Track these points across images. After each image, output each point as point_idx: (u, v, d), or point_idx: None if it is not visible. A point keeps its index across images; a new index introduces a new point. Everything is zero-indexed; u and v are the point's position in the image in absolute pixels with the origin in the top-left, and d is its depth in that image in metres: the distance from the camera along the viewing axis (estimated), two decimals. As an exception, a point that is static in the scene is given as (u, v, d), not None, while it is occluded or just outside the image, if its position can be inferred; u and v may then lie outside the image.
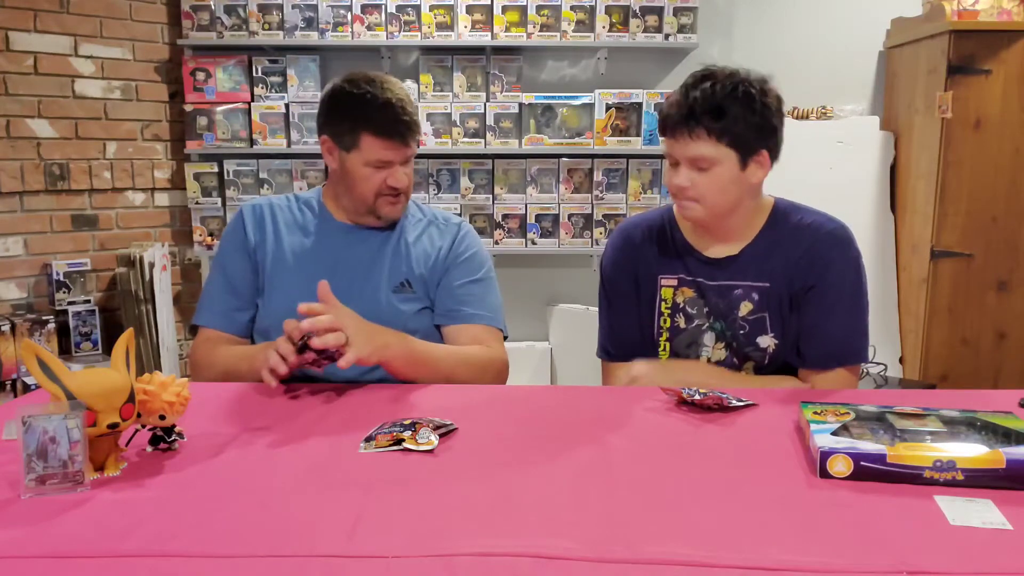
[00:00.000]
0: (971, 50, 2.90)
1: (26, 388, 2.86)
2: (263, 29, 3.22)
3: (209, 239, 3.35)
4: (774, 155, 1.44)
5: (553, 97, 3.30)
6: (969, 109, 2.92)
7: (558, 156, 3.33)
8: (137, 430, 1.09)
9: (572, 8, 3.22)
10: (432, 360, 1.48)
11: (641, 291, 1.57)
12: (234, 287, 1.60)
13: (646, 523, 0.86)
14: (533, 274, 3.58)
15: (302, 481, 0.98)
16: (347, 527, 0.85)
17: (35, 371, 0.97)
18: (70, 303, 3.08)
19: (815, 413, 1.09)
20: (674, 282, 1.54)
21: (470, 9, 3.22)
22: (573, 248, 3.39)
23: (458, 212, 3.29)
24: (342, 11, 3.21)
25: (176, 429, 1.09)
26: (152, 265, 3.14)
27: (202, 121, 3.28)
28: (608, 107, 3.27)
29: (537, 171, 3.36)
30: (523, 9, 3.22)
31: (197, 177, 3.32)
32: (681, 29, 3.24)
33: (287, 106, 3.28)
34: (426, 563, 0.77)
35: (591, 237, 3.37)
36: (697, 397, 1.25)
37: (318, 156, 3.30)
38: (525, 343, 3.47)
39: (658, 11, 3.23)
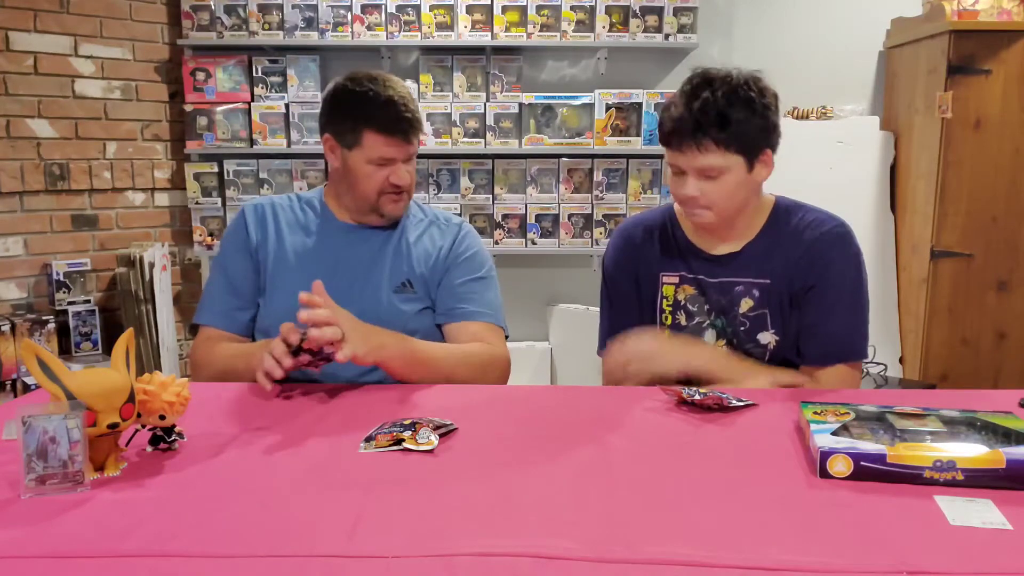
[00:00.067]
0: (971, 50, 2.90)
1: (26, 388, 2.86)
2: (263, 29, 3.22)
3: (209, 239, 3.35)
4: (775, 151, 1.45)
5: (553, 97, 3.30)
6: (969, 109, 2.92)
7: (558, 156, 3.33)
8: (137, 430, 1.09)
9: (572, 8, 3.22)
10: (431, 360, 1.47)
11: (642, 289, 1.58)
12: (235, 286, 1.60)
13: (646, 523, 0.86)
14: (533, 274, 3.58)
15: (302, 481, 0.98)
16: (347, 527, 0.85)
17: (35, 371, 0.97)
18: (70, 303, 3.08)
19: (815, 413, 1.09)
20: (675, 279, 1.54)
21: (470, 9, 3.22)
22: (573, 248, 3.39)
23: (458, 212, 3.29)
24: (342, 11, 3.21)
25: (176, 429, 1.09)
26: (152, 265, 3.14)
27: (202, 121, 3.28)
28: (608, 107, 3.27)
29: (537, 171, 3.36)
30: (523, 9, 3.22)
31: (197, 177, 3.32)
32: (681, 29, 3.24)
33: (287, 106, 3.28)
34: (426, 563, 0.77)
35: (591, 237, 3.37)
36: (697, 397, 1.25)
37: (318, 156, 3.30)
38: (525, 343, 3.47)
39: (658, 11, 3.23)
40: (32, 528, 0.85)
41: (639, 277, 1.58)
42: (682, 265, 1.54)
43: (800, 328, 1.47)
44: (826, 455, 0.96)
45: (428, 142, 3.25)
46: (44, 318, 2.95)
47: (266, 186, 3.33)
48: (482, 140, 3.28)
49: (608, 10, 3.22)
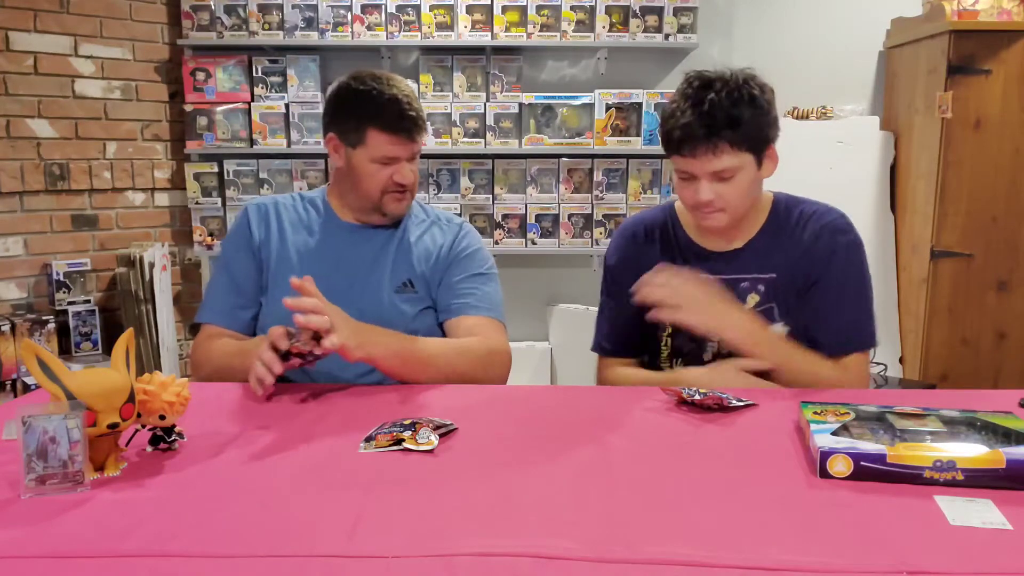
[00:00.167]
0: (971, 50, 2.90)
1: (26, 388, 2.87)
2: (263, 29, 3.22)
3: (209, 239, 3.35)
4: (774, 144, 1.46)
5: (553, 97, 3.30)
6: (969, 109, 2.92)
7: (558, 156, 3.33)
8: (137, 430, 1.09)
9: (572, 8, 3.22)
10: (426, 355, 1.45)
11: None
12: (238, 285, 1.60)
13: (646, 523, 0.86)
14: (533, 274, 3.58)
15: (302, 481, 0.98)
16: (347, 527, 0.85)
17: (35, 371, 0.97)
18: (70, 303, 3.08)
19: (815, 413, 1.09)
20: None
21: (470, 9, 3.22)
22: (573, 248, 3.39)
23: (458, 212, 3.29)
24: (342, 11, 3.21)
25: (176, 429, 1.09)
26: (152, 265, 3.14)
27: (202, 121, 3.28)
28: (608, 107, 3.27)
29: (537, 171, 3.36)
30: (523, 9, 3.22)
31: (197, 177, 3.33)
32: (681, 29, 3.24)
33: (287, 106, 3.28)
34: (426, 563, 0.77)
35: (591, 237, 3.37)
36: (697, 397, 1.25)
37: (318, 156, 3.30)
38: (525, 343, 3.47)
39: (658, 11, 3.23)
40: (32, 528, 0.85)
41: (640, 275, 1.58)
42: (683, 263, 1.54)
43: (810, 321, 1.48)
44: (826, 455, 0.96)
45: (428, 142, 3.25)
46: (44, 318, 2.95)
47: (266, 186, 3.33)
48: (482, 140, 3.28)
49: (608, 10, 3.22)
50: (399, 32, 3.22)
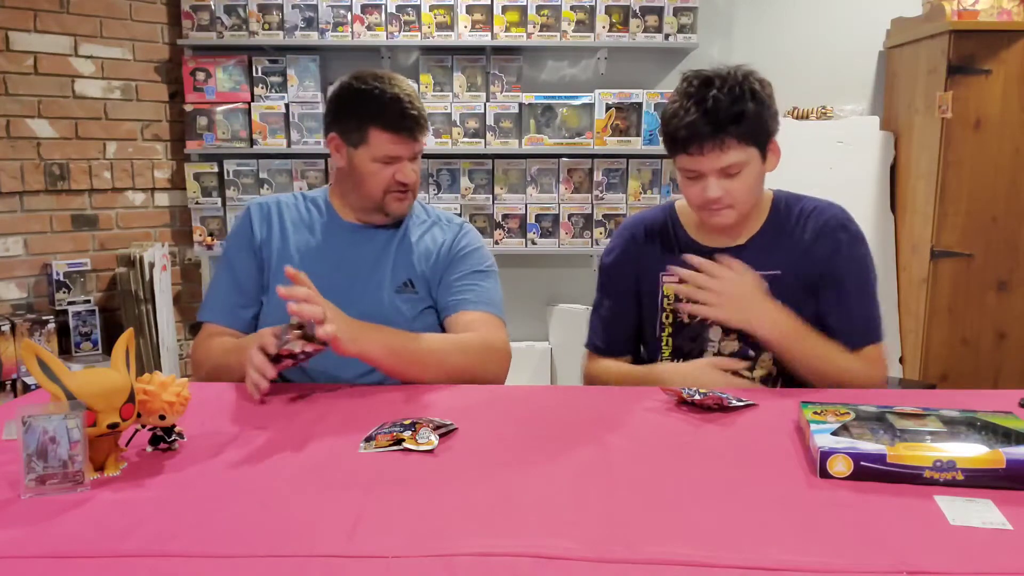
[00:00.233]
0: (971, 50, 2.90)
1: (26, 388, 2.87)
2: (263, 29, 3.22)
3: (209, 239, 3.35)
4: (776, 138, 1.47)
5: (553, 97, 3.30)
6: (969, 109, 2.92)
7: (558, 156, 3.33)
8: (137, 430, 1.09)
9: (572, 8, 3.22)
10: (422, 351, 1.44)
11: (643, 289, 1.58)
12: (239, 284, 1.60)
13: (646, 523, 0.86)
14: (533, 274, 3.58)
15: (302, 481, 0.98)
16: (347, 527, 0.85)
17: (35, 371, 0.97)
18: (70, 303, 3.08)
19: (815, 413, 1.09)
20: (674, 279, 1.54)
21: (470, 9, 3.22)
22: (573, 248, 3.39)
23: (458, 212, 3.29)
24: (342, 11, 3.21)
25: (176, 429, 1.09)
26: (152, 265, 3.14)
27: (202, 121, 3.28)
28: (608, 107, 3.27)
29: (537, 171, 3.36)
30: (523, 9, 3.22)
31: (197, 177, 3.32)
32: (681, 29, 3.24)
33: (287, 106, 3.28)
34: (426, 563, 0.77)
35: (591, 237, 3.37)
36: (697, 397, 1.25)
37: (318, 156, 3.30)
38: (525, 343, 3.47)
39: (658, 11, 3.23)
40: (32, 528, 0.85)
41: (640, 275, 1.58)
42: (682, 263, 1.54)
43: (826, 318, 1.48)
44: (826, 455, 0.96)
45: (428, 142, 3.25)
46: (44, 318, 2.95)
47: (266, 186, 3.33)
48: (482, 140, 3.28)
49: (608, 10, 3.22)
50: (399, 32, 3.22)
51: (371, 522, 0.86)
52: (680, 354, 1.55)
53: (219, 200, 3.33)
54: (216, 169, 3.33)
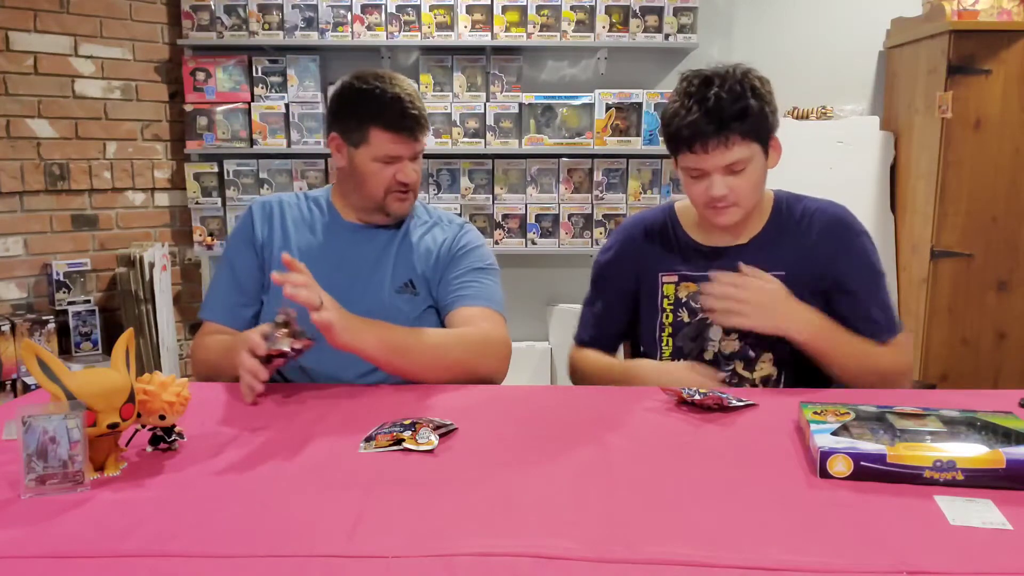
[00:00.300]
0: (971, 50, 2.90)
1: (26, 388, 2.87)
2: (263, 29, 3.22)
3: (209, 239, 3.35)
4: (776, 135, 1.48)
5: (553, 97, 3.30)
6: (969, 109, 2.92)
7: (558, 156, 3.33)
8: (137, 430, 1.09)
9: (572, 8, 3.22)
10: (419, 344, 1.42)
11: (641, 289, 1.58)
12: (240, 283, 1.60)
13: (646, 523, 0.86)
14: (533, 274, 3.58)
15: (302, 481, 0.98)
16: (347, 527, 0.85)
17: (35, 371, 0.97)
18: (70, 303, 3.08)
19: (815, 413, 1.09)
20: (674, 278, 1.54)
21: (470, 9, 3.22)
22: (573, 248, 3.39)
23: (458, 212, 3.29)
24: (342, 11, 3.21)
25: (176, 429, 1.09)
26: (152, 265, 3.14)
27: (202, 121, 3.28)
28: (608, 107, 3.27)
29: (537, 171, 3.36)
30: (523, 9, 3.22)
31: (197, 177, 3.33)
32: (681, 29, 3.24)
33: (287, 106, 3.28)
34: (426, 563, 0.77)
35: (591, 237, 3.37)
36: (697, 397, 1.25)
37: (318, 156, 3.31)
38: (525, 343, 3.47)
39: (658, 11, 3.23)
40: (32, 528, 0.85)
41: (639, 275, 1.59)
42: (682, 263, 1.54)
43: (849, 316, 1.47)
44: (826, 455, 0.96)
45: (428, 142, 3.25)
46: (44, 318, 2.95)
47: (266, 186, 3.33)
48: (482, 140, 3.28)
49: (608, 10, 3.22)
50: (399, 32, 3.22)
51: (371, 522, 0.86)
52: (680, 354, 1.55)
53: (219, 200, 3.34)
54: (216, 169, 3.33)
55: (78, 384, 0.97)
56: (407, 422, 1.14)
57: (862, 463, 0.95)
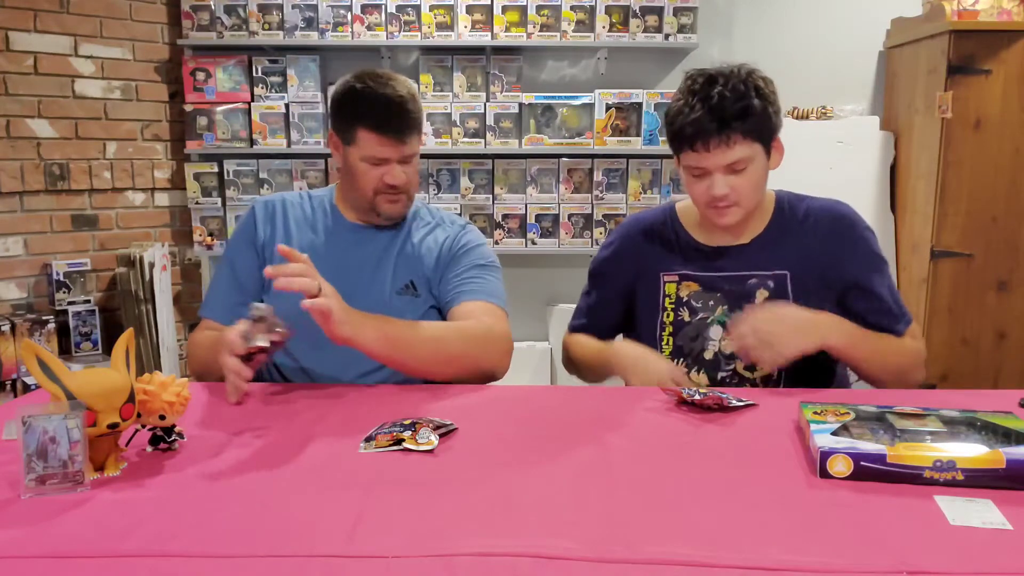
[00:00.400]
0: (971, 50, 2.90)
1: (26, 388, 2.87)
2: (263, 29, 3.22)
3: (209, 239, 3.35)
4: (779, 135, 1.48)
5: (553, 97, 3.30)
6: (969, 109, 2.92)
7: (558, 156, 3.33)
8: (137, 430, 1.09)
9: (572, 8, 3.23)
10: (418, 337, 1.41)
11: (641, 288, 1.58)
12: (240, 282, 1.60)
13: (646, 523, 0.86)
14: (533, 274, 3.58)
15: (302, 481, 0.98)
16: (347, 527, 0.85)
17: (35, 371, 0.97)
18: (70, 303, 3.08)
19: (815, 413, 1.09)
20: (675, 278, 1.54)
21: (470, 9, 3.22)
22: (573, 248, 3.39)
23: (458, 212, 3.29)
24: (342, 11, 3.21)
25: (176, 429, 1.09)
26: (152, 265, 3.14)
27: (202, 121, 3.28)
28: (608, 107, 3.27)
29: (537, 171, 3.36)
30: (523, 9, 3.22)
31: (197, 177, 3.33)
32: (681, 29, 3.24)
33: (287, 106, 3.28)
34: (426, 563, 0.77)
35: (591, 237, 3.37)
36: (697, 397, 1.25)
37: (318, 156, 3.30)
38: (525, 343, 3.46)
39: (658, 11, 3.23)
40: (32, 528, 0.85)
41: (638, 275, 1.58)
42: (683, 263, 1.54)
43: (865, 312, 1.48)
44: (826, 455, 0.96)
45: (428, 142, 3.25)
46: (44, 318, 2.95)
47: (266, 186, 3.33)
48: (482, 140, 3.28)
49: (608, 10, 3.22)
50: (399, 32, 3.22)
51: (371, 522, 0.86)
52: (680, 353, 1.55)
53: (219, 200, 3.34)
54: (216, 169, 3.33)
55: (78, 384, 0.97)
56: (407, 422, 1.14)
57: (862, 463, 0.95)
